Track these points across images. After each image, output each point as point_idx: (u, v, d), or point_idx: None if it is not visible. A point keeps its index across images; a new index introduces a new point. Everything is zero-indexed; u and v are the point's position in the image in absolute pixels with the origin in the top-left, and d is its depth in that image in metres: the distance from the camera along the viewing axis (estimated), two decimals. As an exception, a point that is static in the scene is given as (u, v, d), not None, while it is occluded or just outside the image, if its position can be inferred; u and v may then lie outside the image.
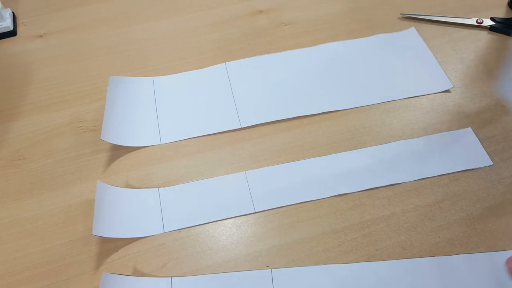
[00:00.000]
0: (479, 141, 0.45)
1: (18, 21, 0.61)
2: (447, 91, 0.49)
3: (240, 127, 0.47)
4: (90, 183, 0.44)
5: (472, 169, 0.43)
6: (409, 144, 0.45)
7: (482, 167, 0.43)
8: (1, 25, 0.58)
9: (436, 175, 0.42)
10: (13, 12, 0.61)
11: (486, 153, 0.44)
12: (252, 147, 0.46)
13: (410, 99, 0.49)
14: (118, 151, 0.46)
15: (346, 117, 0.48)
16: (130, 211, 0.41)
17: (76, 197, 0.43)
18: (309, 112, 0.48)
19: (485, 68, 0.51)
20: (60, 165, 0.45)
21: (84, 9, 0.62)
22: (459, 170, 0.43)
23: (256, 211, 0.41)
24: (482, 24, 0.55)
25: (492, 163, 0.43)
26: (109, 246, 0.39)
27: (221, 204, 0.41)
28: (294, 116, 0.48)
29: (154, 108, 0.49)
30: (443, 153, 0.44)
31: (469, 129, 0.46)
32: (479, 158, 0.44)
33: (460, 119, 0.47)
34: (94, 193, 0.43)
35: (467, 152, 0.44)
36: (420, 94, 0.49)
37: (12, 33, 0.59)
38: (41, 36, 0.59)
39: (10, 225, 0.41)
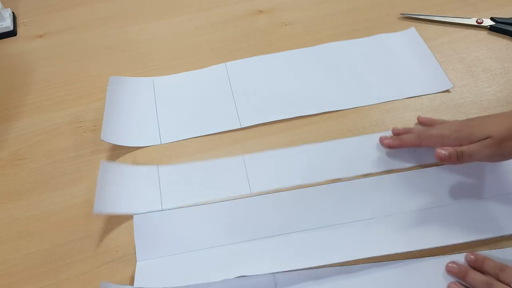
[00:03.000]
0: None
1: (18, 21, 0.61)
2: (447, 91, 0.49)
3: (240, 127, 0.47)
4: (90, 183, 0.44)
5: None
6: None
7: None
8: (1, 25, 0.58)
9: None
10: (13, 12, 0.61)
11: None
12: (252, 147, 0.46)
13: (410, 99, 0.49)
14: (118, 151, 0.46)
15: (346, 117, 0.48)
16: (130, 187, 0.41)
17: (76, 197, 0.43)
18: (309, 112, 0.48)
19: (485, 68, 0.51)
20: (60, 165, 0.45)
21: (84, 9, 0.62)
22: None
23: (252, 194, 0.42)
24: (482, 24, 0.55)
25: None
26: (109, 246, 0.39)
27: (219, 185, 0.42)
28: (294, 116, 0.48)
29: (154, 108, 0.49)
30: None
31: None
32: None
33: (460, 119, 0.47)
34: (94, 193, 0.43)
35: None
36: (420, 94, 0.49)
37: (12, 33, 0.59)
38: (41, 36, 0.59)
39: (10, 225, 0.41)
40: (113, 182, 0.41)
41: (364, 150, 0.44)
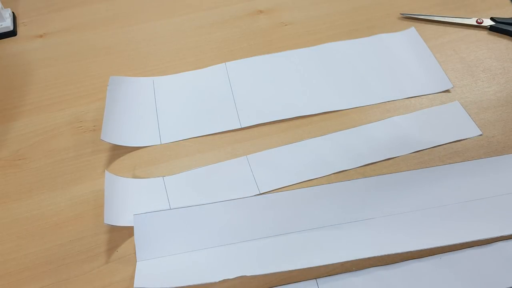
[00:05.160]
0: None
1: (18, 21, 0.61)
2: (447, 91, 0.49)
3: (240, 127, 0.47)
4: (90, 183, 0.44)
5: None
6: (403, 120, 0.47)
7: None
8: (1, 25, 0.58)
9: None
10: (13, 12, 0.61)
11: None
12: (252, 147, 0.46)
13: (410, 99, 0.49)
14: (118, 151, 0.46)
15: (346, 117, 0.48)
16: (138, 201, 0.41)
17: (76, 197, 0.43)
18: (309, 112, 0.48)
19: (485, 68, 0.51)
20: (60, 165, 0.45)
21: (84, 9, 0.62)
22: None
23: (260, 192, 0.42)
24: (482, 24, 0.55)
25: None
26: (109, 246, 0.39)
27: (227, 189, 0.42)
28: (294, 116, 0.48)
29: (154, 108, 0.49)
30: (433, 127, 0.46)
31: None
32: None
33: (460, 119, 0.47)
34: (94, 193, 0.43)
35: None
36: (420, 94, 0.49)
37: (12, 33, 0.59)
38: (41, 36, 0.59)
39: (10, 225, 0.41)
40: (120, 196, 0.41)
41: (369, 140, 0.45)
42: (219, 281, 0.35)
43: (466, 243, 0.38)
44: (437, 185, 0.41)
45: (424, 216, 0.39)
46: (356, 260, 0.37)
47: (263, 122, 0.47)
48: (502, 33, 0.55)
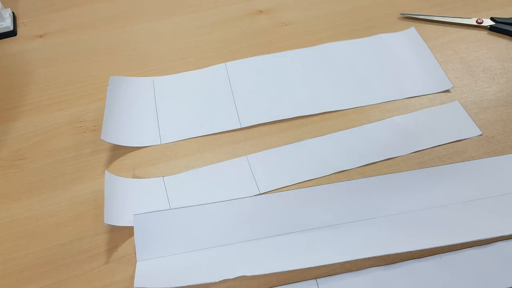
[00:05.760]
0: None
1: (18, 21, 0.61)
2: (447, 91, 0.49)
3: (240, 127, 0.47)
4: (90, 183, 0.44)
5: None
6: (403, 120, 0.47)
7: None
8: (1, 25, 0.58)
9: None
10: (13, 12, 0.61)
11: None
12: (252, 147, 0.46)
13: (410, 99, 0.49)
14: (118, 151, 0.46)
15: (346, 117, 0.48)
16: (138, 201, 0.41)
17: (76, 197, 0.43)
18: (309, 112, 0.48)
19: (485, 68, 0.51)
20: (60, 165, 0.45)
21: (84, 9, 0.62)
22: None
23: (260, 192, 0.42)
24: (482, 24, 0.55)
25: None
26: (109, 246, 0.39)
27: (227, 189, 0.42)
28: (294, 116, 0.48)
29: (154, 108, 0.49)
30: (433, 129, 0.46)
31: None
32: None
33: (460, 119, 0.47)
34: (94, 193, 0.43)
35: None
36: (420, 94, 0.49)
37: (12, 33, 0.59)
38: (41, 36, 0.59)
39: (10, 225, 0.41)
40: (120, 196, 0.41)
41: (369, 140, 0.45)
42: (219, 281, 0.35)
43: (466, 243, 0.38)
44: (437, 185, 0.41)
45: (424, 216, 0.39)
46: (356, 260, 0.37)
47: (263, 122, 0.47)
48: (502, 33, 0.55)
